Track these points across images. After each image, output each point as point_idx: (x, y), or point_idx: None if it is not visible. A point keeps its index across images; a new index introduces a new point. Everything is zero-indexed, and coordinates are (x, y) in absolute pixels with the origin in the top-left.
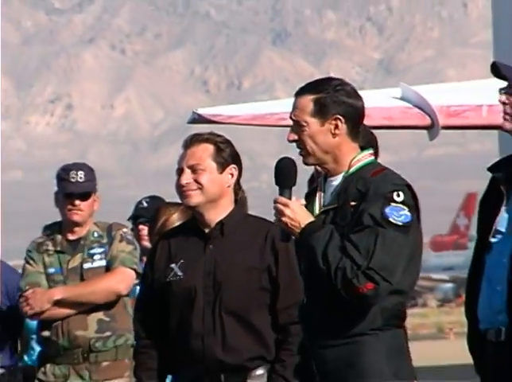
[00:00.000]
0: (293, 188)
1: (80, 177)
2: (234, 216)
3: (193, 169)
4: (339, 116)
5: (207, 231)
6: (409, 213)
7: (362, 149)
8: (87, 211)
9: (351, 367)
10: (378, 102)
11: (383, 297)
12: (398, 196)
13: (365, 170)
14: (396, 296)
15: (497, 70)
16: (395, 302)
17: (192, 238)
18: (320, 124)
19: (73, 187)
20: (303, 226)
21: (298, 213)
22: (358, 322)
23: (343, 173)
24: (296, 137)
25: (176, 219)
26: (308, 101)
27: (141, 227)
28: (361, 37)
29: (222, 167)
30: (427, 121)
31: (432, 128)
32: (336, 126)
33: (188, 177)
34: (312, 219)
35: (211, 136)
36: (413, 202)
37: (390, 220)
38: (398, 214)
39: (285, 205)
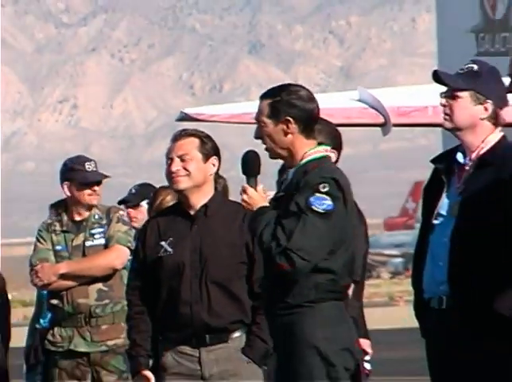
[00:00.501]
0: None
1: (94, 167)
2: (216, 200)
3: (182, 159)
4: (289, 118)
5: (192, 212)
6: (331, 203)
7: (321, 145)
8: (100, 194)
9: (291, 334)
10: (339, 103)
11: (304, 273)
12: (324, 187)
13: (311, 164)
14: (327, 274)
15: (438, 77)
16: (327, 279)
17: (179, 219)
18: (275, 124)
19: (92, 176)
20: (254, 209)
21: (253, 198)
22: (295, 296)
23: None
24: (258, 134)
25: (170, 199)
26: (265, 104)
27: (128, 210)
28: (324, 47)
29: (206, 158)
30: (381, 119)
31: (385, 125)
32: (287, 126)
33: (177, 164)
34: (263, 204)
35: (196, 131)
36: (338, 193)
37: (313, 207)
38: (321, 203)
39: (244, 192)
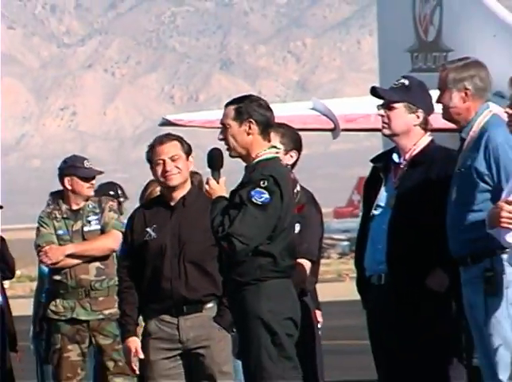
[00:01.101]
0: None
1: (90, 164)
2: (192, 193)
3: (173, 159)
4: (252, 119)
5: (172, 204)
6: (268, 196)
7: (273, 147)
8: (94, 187)
9: (242, 309)
10: (297, 111)
11: (244, 255)
12: (264, 183)
13: (261, 163)
14: (268, 257)
15: (375, 92)
16: (268, 261)
17: (161, 209)
18: (239, 125)
19: (90, 172)
20: (213, 198)
21: (213, 189)
22: (244, 275)
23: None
24: (222, 136)
25: (158, 190)
26: (231, 109)
27: None
28: (284, 64)
29: (186, 156)
30: (331, 125)
31: (334, 130)
32: (250, 127)
33: (170, 165)
34: (221, 194)
35: (175, 135)
36: (275, 189)
37: (252, 200)
38: (260, 196)
39: (207, 183)
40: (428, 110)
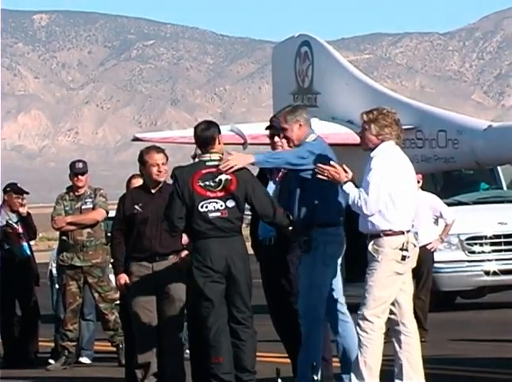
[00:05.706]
0: None
1: (82, 165)
2: (164, 185)
3: (163, 163)
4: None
5: (153, 191)
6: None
7: (215, 153)
8: (87, 180)
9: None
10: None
11: (173, 228)
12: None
13: None
14: (188, 226)
15: (272, 127)
16: (191, 228)
17: (145, 193)
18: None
19: (78, 170)
20: None
21: None
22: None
23: None
24: None
25: (135, 182)
26: None
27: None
28: (212, 102)
29: (166, 162)
30: (242, 141)
31: (244, 144)
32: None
33: (162, 167)
34: None
35: (161, 148)
36: (175, 186)
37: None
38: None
39: None
40: None
